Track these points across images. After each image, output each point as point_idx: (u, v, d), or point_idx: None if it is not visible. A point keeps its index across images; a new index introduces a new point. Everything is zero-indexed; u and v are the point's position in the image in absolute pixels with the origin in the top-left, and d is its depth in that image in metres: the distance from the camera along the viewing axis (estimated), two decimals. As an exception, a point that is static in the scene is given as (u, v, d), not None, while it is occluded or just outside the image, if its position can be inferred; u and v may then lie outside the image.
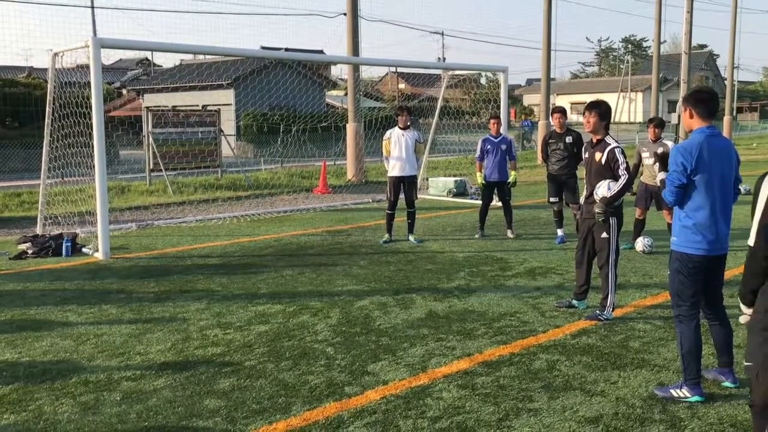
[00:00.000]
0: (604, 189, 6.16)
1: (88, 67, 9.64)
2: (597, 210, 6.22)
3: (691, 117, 4.57)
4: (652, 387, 4.75)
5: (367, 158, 20.41)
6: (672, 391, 4.59)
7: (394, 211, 10.37)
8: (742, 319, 3.53)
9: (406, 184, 10.23)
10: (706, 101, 4.54)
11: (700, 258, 4.49)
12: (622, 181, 6.13)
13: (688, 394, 4.53)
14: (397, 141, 10.09)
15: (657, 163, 8.73)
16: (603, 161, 6.24)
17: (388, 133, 10.27)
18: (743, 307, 3.48)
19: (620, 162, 6.16)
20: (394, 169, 10.16)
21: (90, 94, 9.51)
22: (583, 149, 6.86)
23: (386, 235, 10.40)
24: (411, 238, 10.41)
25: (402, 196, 10.28)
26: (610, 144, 6.28)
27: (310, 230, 11.68)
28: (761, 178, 3.33)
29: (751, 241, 3.35)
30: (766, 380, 3.22)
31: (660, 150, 9.10)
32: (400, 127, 10.19)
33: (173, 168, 17.82)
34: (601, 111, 6.29)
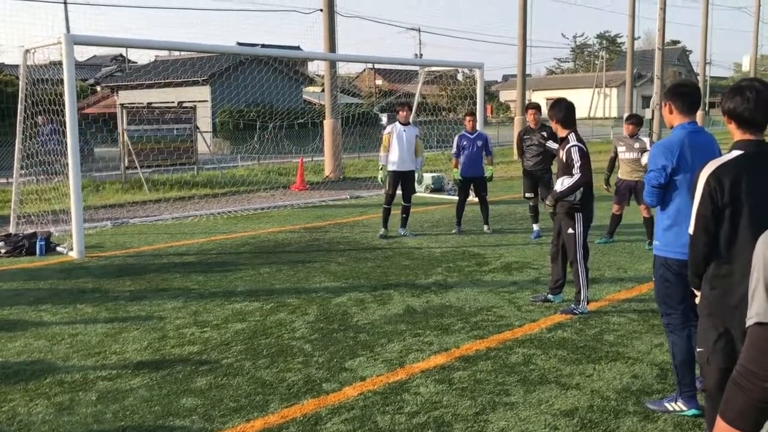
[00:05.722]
0: (558, 184, 6.34)
1: (60, 63, 9.53)
2: (547, 202, 6.64)
3: (671, 112, 4.23)
4: (626, 379, 4.82)
5: (344, 154, 20.40)
6: (666, 404, 4.35)
7: (391, 205, 10.47)
8: (697, 301, 3.60)
9: (405, 179, 10.34)
10: (685, 95, 4.21)
11: (686, 262, 4.05)
12: (575, 179, 6.20)
13: (684, 408, 4.28)
14: (398, 136, 10.25)
15: (645, 153, 8.84)
16: (564, 159, 6.36)
17: (389, 127, 10.48)
18: (695, 291, 3.56)
19: (575, 161, 6.23)
20: (393, 163, 10.28)
21: (63, 91, 9.40)
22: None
23: (382, 229, 10.49)
24: (405, 232, 10.58)
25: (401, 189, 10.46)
26: (569, 142, 6.38)
27: (287, 227, 11.65)
28: (700, 169, 3.38)
29: (690, 230, 3.40)
30: (716, 364, 3.29)
31: (637, 145, 9.21)
32: (401, 123, 10.31)
33: (149, 165, 17.67)
34: (556, 112, 6.43)
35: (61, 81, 9.44)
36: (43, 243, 9.61)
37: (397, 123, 10.42)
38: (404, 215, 10.62)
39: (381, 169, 10.58)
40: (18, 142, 10.85)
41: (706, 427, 3.59)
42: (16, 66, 18.64)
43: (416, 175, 10.66)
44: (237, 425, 4.22)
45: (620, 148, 9.38)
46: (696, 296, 3.56)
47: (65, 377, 5.01)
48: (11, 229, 10.90)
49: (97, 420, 4.31)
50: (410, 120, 10.53)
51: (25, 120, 10.68)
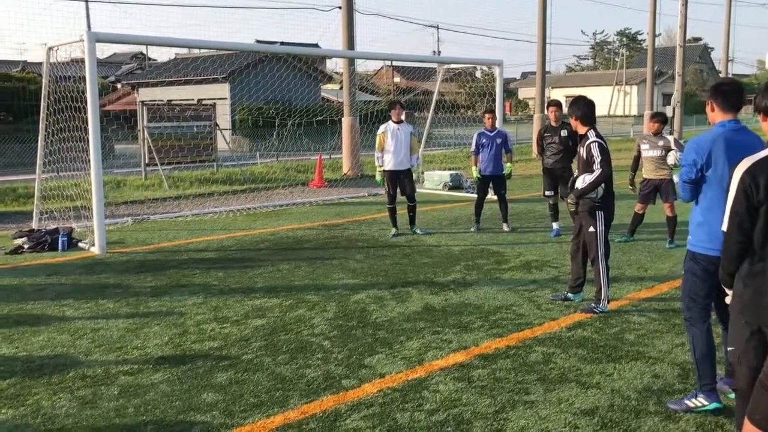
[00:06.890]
0: (580, 182, 6.31)
1: (82, 61, 9.62)
2: (569, 200, 6.54)
3: (713, 110, 4.25)
4: (647, 379, 4.78)
5: (362, 152, 20.41)
6: (687, 402, 4.32)
7: (395, 204, 10.42)
8: (727, 300, 3.57)
9: (403, 178, 10.26)
10: (726, 93, 4.22)
11: (715, 259, 4.02)
12: (595, 175, 6.18)
13: (705, 402, 4.25)
14: (392, 135, 10.12)
15: (671, 152, 8.73)
16: (584, 156, 6.33)
17: (383, 127, 10.31)
18: (726, 289, 3.53)
19: (595, 156, 6.22)
20: (389, 163, 10.19)
21: (85, 89, 9.49)
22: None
23: (393, 229, 10.43)
24: (417, 230, 10.52)
25: (400, 189, 10.34)
26: (589, 138, 6.37)
27: (306, 224, 11.69)
28: (734, 166, 3.35)
29: (724, 227, 3.38)
30: (747, 363, 3.26)
31: (661, 143, 9.10)
32: (394, 121, 10.22)
33: (169, 162, 17.79)
34: (575, 109, 6.42)
35: (83, 78, 9.52)
36: (65, 239, 9.71)
37: (390, 122, 10.27)
38: (411, 214, 10.56)
39: (378, 169, 10.38)
40: (41, 139, 10.97)
41: (736, 426, 3.55)
42: (39, 64, 18.85)
43: (414, 174, 10.32)
44: (257, 421, 4.25)
45: (644, 147, 9.26)
46: (727, 295, 3.52)
47: (87, 371, 5.07)
48: (34, 225, 11.03)
49: (119, 414, 4.36)
50: (402, 118, 10.31)
51: (47, 117, 10.80)
